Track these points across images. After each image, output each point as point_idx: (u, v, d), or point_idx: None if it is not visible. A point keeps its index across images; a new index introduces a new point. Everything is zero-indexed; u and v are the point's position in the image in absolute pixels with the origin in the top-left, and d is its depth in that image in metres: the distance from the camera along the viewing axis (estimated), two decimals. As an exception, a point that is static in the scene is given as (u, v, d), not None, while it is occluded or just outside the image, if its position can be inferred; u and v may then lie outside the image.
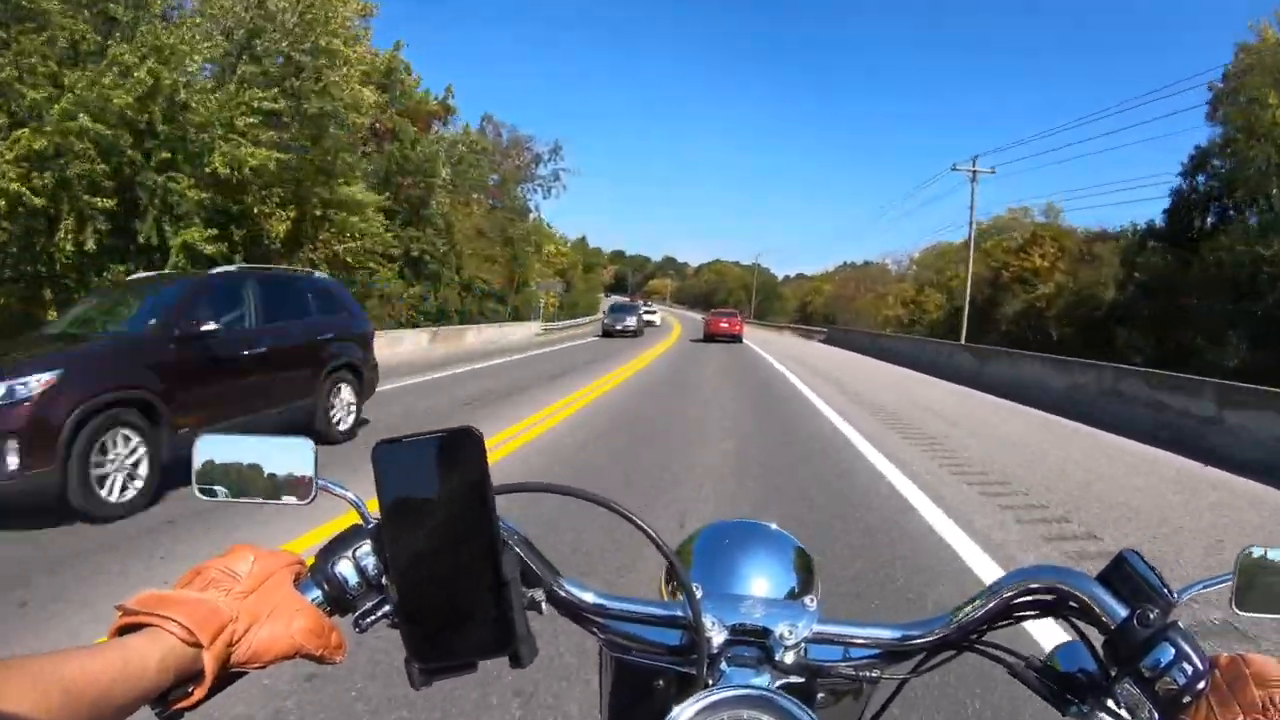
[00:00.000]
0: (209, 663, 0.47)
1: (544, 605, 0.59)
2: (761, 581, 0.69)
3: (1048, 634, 2.34)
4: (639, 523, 0.59)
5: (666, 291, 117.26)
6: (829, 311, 52.02)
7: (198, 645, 0.46)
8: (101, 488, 3.34)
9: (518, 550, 0.59)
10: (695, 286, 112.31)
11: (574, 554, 3.28)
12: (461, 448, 0.53)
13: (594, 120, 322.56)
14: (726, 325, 25.08)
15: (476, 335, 18.60)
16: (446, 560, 0.53)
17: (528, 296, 28.55)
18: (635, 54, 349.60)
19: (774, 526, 0.78)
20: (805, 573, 0.73)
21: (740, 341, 24.18)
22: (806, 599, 0.65)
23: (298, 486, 0.63)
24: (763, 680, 0.58)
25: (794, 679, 0.60)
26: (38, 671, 0.39)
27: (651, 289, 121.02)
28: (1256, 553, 0.61)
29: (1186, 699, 0.50)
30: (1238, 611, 0.61)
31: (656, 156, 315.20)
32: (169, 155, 9.34)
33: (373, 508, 0.55)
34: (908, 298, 43.38)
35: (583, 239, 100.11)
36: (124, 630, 0.46)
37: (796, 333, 37.39)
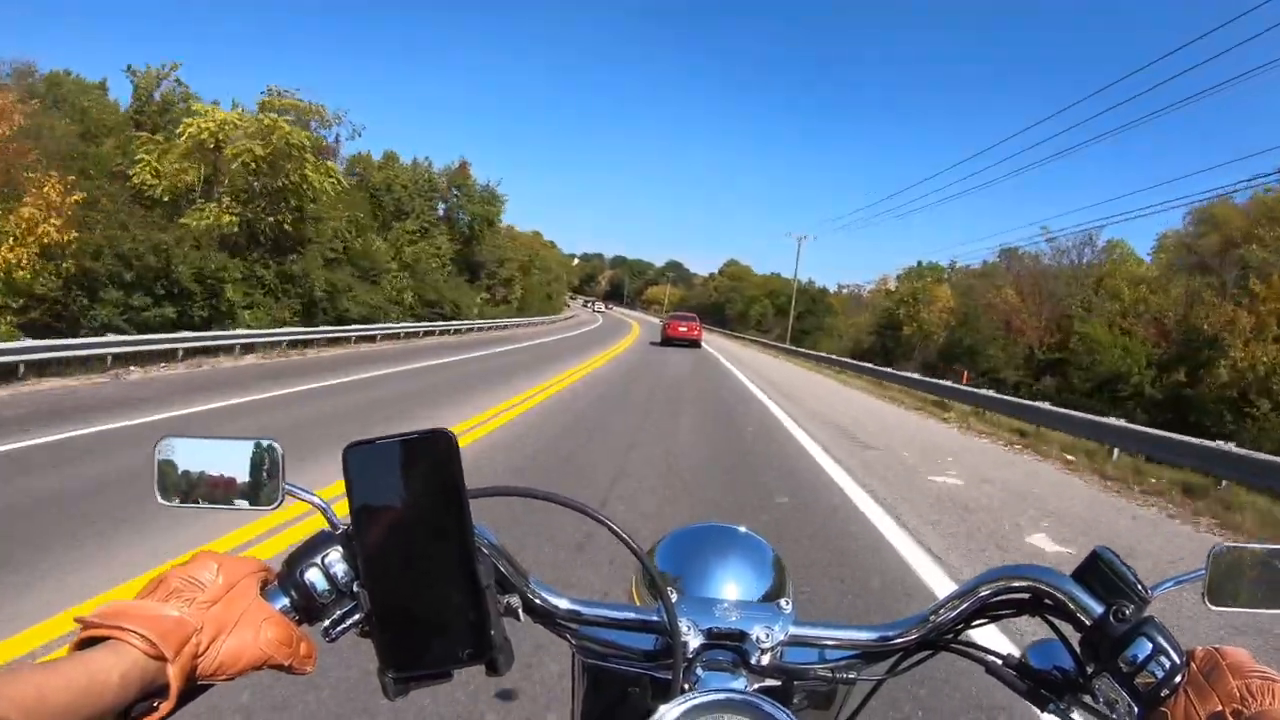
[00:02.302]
0: (174, 676, 0.47)
1: (520, 612, 0.61)
2: (734, 585, 0.71)
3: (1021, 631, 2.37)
4: (613, 527, 0.61)
5: (666, 300, 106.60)
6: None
7: (161, 658, 0.47)
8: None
9: (491, 556, 0.60)
10: (703, 296, 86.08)
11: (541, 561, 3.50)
12: (434, 450, 0.53)
13: (595, 119, 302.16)
14: (685, 330, 27.97)
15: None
16: (420, 566, 0.53)
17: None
18: (644, 56, 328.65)
19: (743, 529, 0.80)
20: (778, 575, 0.75)
21: (699, 346, 27.53)
22: (781, 601, 0.68)
23: (263, 490, 0.62)
24: (739, 684, 0.59)
25: (771, 682, 0.63)
26: None
27: (650, 298, 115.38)
28: (1227, 548, 0.65)
29: (1164, 692, 0.53)
30: (1210, 606, 0.64)
31: (664, 156, 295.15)
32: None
33: (341, 512, 0.56)
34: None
35: (536, 234, 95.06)
36: (85, 644, 0.46)
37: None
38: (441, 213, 33.38)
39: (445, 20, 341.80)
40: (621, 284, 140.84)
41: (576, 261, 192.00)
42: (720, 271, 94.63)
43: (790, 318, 48.08)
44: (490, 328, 29.39)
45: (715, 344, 36.06)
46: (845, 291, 62.76)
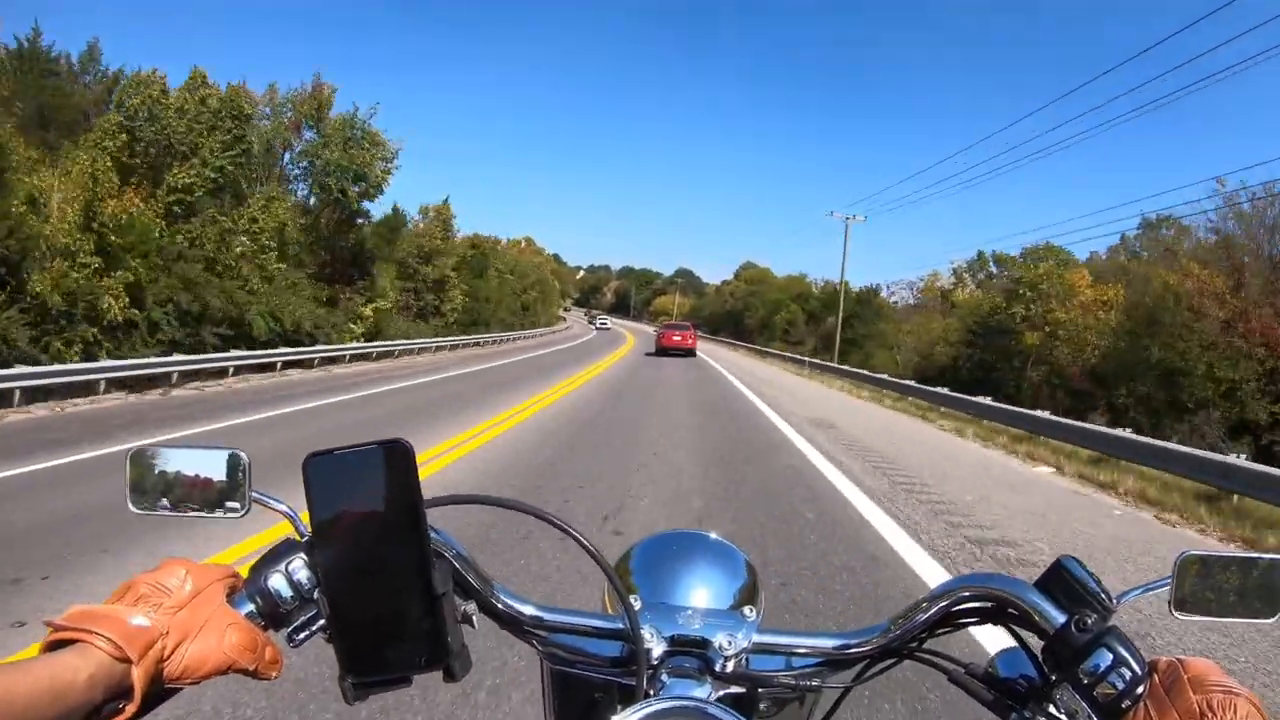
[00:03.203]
0: (138, 679, 0.49)
1: (477, 618, 0.63)
2: (703, 591, 0.73)
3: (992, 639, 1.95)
4: (575, 534, 0.63)
5: (675, 310, 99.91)
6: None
7: (127, 661, 0.49)
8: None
9: (452, 563, 0.62)
10: (717, 305, 70.37)
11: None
12: (392, 460, 0.55)
13: (597, 128, 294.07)
14: (679, 339, 28.31)
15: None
16: (377, 573, 0.55)
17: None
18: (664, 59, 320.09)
19: (715, 536, 0.82)
20: (748, 582, 0.76)
21: (694, 355, 27.73)
22: (746, 609, 0.69)
23: (232, 498, 0.65)
24: (703, 691, 0.61)
25: (735, 689, 0.64)
26: None
27: (659, 308, 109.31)
28: (1194, 556, 0.65)
29: (1125, 704, 0.54)
30: (1176, 615, 0.65)
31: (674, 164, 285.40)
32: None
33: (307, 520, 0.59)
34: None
35: (527, 240, 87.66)
36: (53, 646, 0.49)
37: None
38: (298, 169, 21.88)
39: (445, 32, 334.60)
40: (627, 295, 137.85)
41: (582, 274, 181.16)
42: (736, 275, 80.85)
43: (836, 322, 34.65)
44: (401, 352, 22.32)
45: (733, 364, 28.27)
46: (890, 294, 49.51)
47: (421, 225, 29.61)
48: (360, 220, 23.00)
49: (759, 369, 26.49)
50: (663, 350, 27.96)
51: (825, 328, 49.40)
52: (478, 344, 29.75)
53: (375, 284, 22.92)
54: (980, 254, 56.30)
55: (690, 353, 27.86)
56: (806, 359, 32.36)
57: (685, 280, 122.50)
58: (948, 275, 52.55)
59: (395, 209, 26.04)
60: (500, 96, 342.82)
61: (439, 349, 25.31)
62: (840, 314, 35.85)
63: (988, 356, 28.64)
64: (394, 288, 25.66)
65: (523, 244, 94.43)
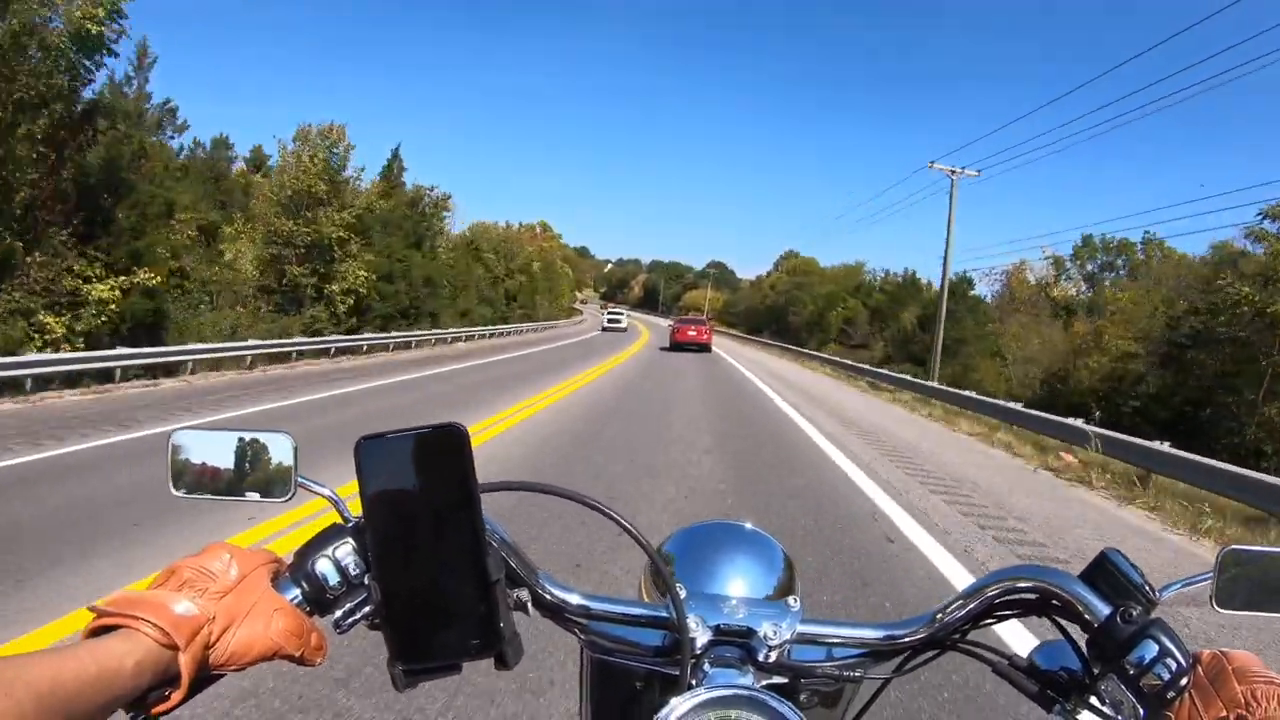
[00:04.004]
0: (185, 665, 0.49)
1: (530, 606, 0.64)
2: (741, 582, 0.73)
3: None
4: (624, 523, 0.63)
5: (707, 306, 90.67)
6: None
7: (174, 647, 0.49)
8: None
9: (501, 551, 0.62)
10: (754, 299, 56.22)
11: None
12: (446, 444, 0.55)
13: (626, 121, 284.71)
14: (694, 334, 27.63)
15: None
16: (430, 558, 0.55)
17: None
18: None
19: (750, 526, 0.82)
20: (785, 573, 0.76)
21: (709, 350, 26.81)
22: (789, 599, 0.69)
23: (276, 483, 0.65)
24: (747, 680, 0.62)
25: (777, 679, 0.65)
26: (6, 676, 0.41)
27: (690, 303, 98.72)
28: (1235, 551, 0.66)
29: (1170, 695, 0.55)
30: (1217, 609, 0.65)
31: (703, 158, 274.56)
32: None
33: (354, 506, 0.59)
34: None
35: (542, 224, 79.70)
36: (97, 631, 0.49)
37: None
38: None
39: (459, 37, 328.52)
40: (656, 289, 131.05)
41: (610, 266, 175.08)
42: (777, 266, 69.00)
43: (936, 320, 23.37)
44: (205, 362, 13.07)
45: (780, 375, 21.27)
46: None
47: (299, 156, 19.09)
48: (103, 121, 12.47)
49: (830, 394, 17.26)
50: (678, 345, 27.09)
51: (899, 329, 37.53)
52: (409, 344, 21.80)
53: (149, 241, 12.50)
54: (1087, 239, 43.96)
55: (705, 348, 27.12)
56: (878, 374, 21.62)
57: (718, 273, 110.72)
58: (1040, 265, 40.29)
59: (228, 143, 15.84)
60: (525, 88, 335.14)
61: (298, 354, 14.84)
62: (944, 307, 24.43)
63: (1190, 378, 17.39)
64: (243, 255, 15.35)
65: (537, 229, 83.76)
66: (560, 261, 63.64)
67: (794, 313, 54.66)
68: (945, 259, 24.76)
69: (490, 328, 31.31)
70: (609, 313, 55.88)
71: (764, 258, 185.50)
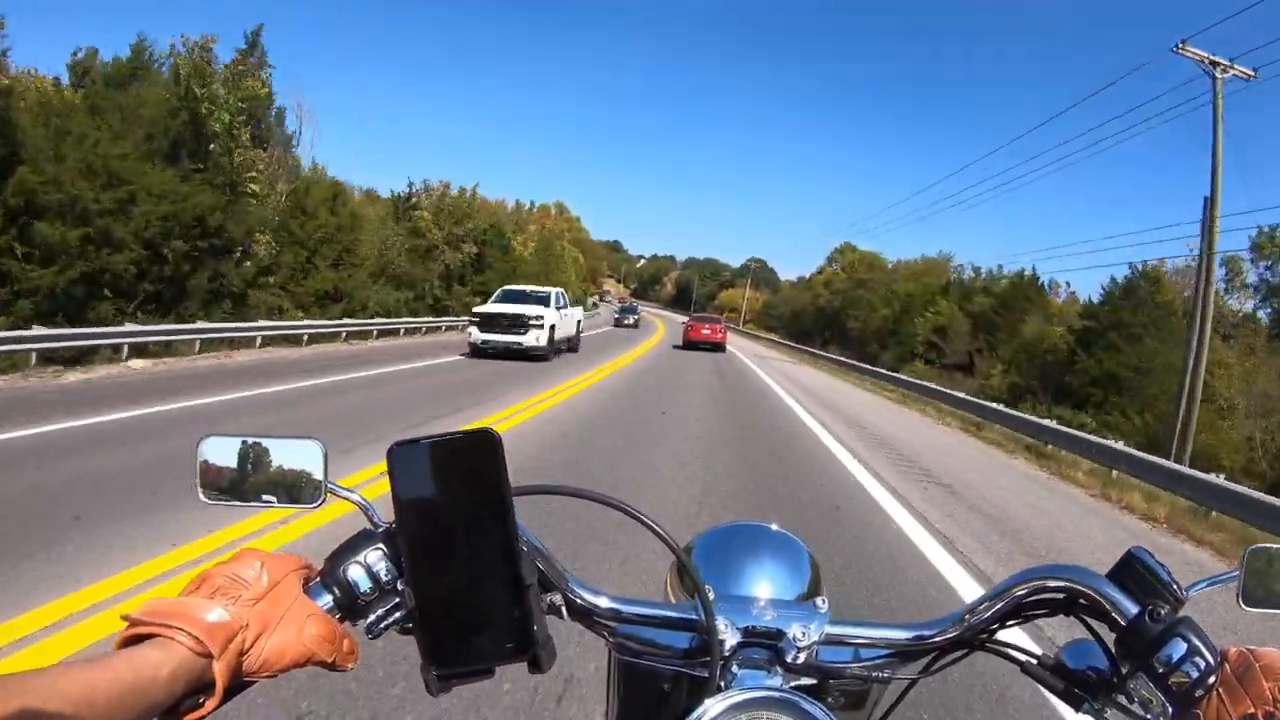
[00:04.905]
0: (220, 673, 0.51)
1: (564, 610, 0.67)
2: (768, 584, 0.74)
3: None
4: (655, 527, 0.65)
5: (745, 306, 79.04)
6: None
7: (208, 655, 0.51)
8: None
9: (532, 555, 0.65)
10: (802, 300, 41.13)
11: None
12: (479, 449, 0.57)
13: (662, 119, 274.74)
14: (708, 332, 28.26)
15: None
16: (463, 563, 0.57)
17: None
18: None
19: (776, 528, 0.83)
20: (812, 574, 0.78)
21: (723, 350, 27.60)
22: (817, 600, 0.71)
23: (305, 489, 0.66)
24: (775, 682, 0.64)
25: (806, 680, 0.67)
26: (42, 688, 0.43)
27: (725, 302, 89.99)
28: (1263, 549, 0.67)
29: (1199, 692, 0.56)
30: (1244, 607, 0.67)
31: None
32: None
33: (384, 512, 0.63)
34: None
35: (558, 205, 76.22)
36: (131, 640, 0.51)
37: None
38: None
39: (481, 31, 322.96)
40: (689, 286, 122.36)
41: (642, 263, 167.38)
42: (831, 261, 57.03)
43: (1190, 341, 10.04)
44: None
45: (868, 422, 12.83)
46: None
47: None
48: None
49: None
50: (691, 344, 27.79)
51: (1021, 346, 25.64)
52: (293, 339, 15.80)
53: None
54: (1271, 231, 31.28)
55: (720, 347, 27.95)
56: (1069, 431, 12.61)
57: (759, 268, 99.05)
58: (1179, 263, 28.48)
59: None
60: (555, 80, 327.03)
61: None
62: (1202, 297, 12.83)
63: None
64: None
65: (552, 210, 72.65)
66: (565, 244, 52.72)
67: (855, 317, 42.93)
68: (1210, 216, 13.12)
69: (446, 319, 25.13)
70: (620, 308, 45.67)
71: (806, 259, 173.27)
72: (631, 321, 40.95)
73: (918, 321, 34.90)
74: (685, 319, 38.27)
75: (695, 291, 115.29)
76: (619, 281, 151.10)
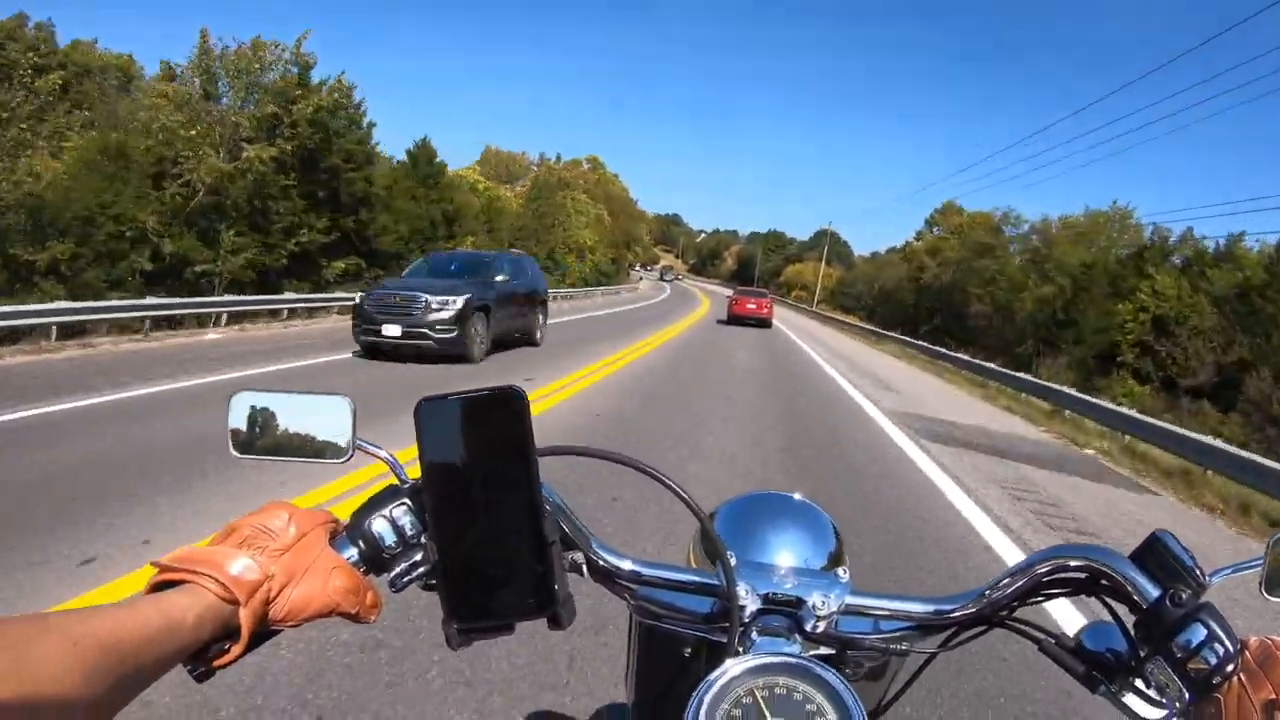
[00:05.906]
0: (246, 620, 0.56)
1: (584, 569, 0.73)
2: (790, 553, 0.75)
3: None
4: (677, 489, 0.67)
5: (819, 284, 64.64)
6: None
7: (235, 602, 0.55)
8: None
9: (555, 515, 0.69)
10: (896, 275, 23.35)
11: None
12: (505, 407, 0.59)
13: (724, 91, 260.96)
14: (754, 307, 28.00)
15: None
16: (487, 519, 0.60)
17: None
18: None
19: (799, 498, 0.84)
20: (835, 545, 0.79)
21: (769, 326, 27.45)
22: (839, 570, 0.73)
23: (334, 445, 0.69)
24: (794, 650, 0.65)
25: (824, 650, 0.69)
26: (72, 628, 0.46)
27: (790, 279, 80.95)
28: None
29: (1217, 679, 0.57)
30: (1267, 597, 0.67)
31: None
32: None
33: (414, 473, 0.67)
34: None
35: (593, 159, 62.37)
36: (160, 586, 0.56)
37: None
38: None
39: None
40: (751, 260, 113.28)
41: (702, 237, 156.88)
42: (930, 225, 44.08)
43: None
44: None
45: None
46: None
47: None
48: None
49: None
50: (735, 319, 27.81)
51: None
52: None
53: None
54: None
55: (765, 322, 27.69)
56: None
57: (832, 238, 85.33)
58: None
59: None
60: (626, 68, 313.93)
61: None
62: None
63: None
64: None
65: (585, 163, 60.70)
66: (577, 195, 41.10)
67: (980, 298, 30.35)
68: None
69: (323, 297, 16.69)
70: (662, 272, 42.77)
71: (886, 230, 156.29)
72: (670, 278, 49.10)
73: (1120, 308, 22.18)
74: (730, 293, 39.76)
75: (759, 266, 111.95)
76: (677, 256, 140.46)
